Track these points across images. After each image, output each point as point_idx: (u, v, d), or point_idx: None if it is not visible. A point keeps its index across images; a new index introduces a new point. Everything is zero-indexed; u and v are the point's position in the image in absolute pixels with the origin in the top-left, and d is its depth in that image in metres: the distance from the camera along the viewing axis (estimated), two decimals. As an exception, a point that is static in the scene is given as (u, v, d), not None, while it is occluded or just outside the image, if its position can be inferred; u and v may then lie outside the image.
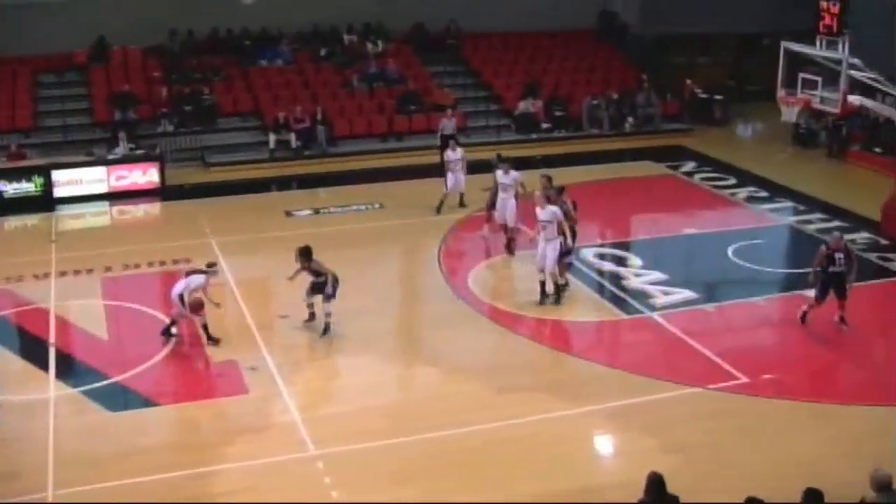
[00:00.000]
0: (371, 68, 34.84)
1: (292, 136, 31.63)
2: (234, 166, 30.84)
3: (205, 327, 18.37)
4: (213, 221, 25.42)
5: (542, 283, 20.37)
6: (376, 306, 20.42)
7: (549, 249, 20.08)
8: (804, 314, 19.30)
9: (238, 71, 34.30)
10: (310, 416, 16.00)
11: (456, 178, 26.31)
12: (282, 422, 15.94)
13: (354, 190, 28.29)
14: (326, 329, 18.78)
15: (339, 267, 22.06)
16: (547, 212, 20.05)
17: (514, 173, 23.41)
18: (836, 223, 25.57)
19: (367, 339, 18.86)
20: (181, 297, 18.12)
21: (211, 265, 18.94)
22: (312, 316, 19.17)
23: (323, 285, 18.66)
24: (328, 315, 18.74)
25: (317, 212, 26.55)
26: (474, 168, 26.13)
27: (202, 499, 13.95)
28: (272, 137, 31.54)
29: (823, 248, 19.15)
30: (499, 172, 23.51)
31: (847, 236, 24.52)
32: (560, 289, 20.49)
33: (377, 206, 26.87)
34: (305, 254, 18.72)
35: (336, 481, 14.37)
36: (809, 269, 19.32)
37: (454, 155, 26.41)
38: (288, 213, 26.27)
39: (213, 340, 18.37)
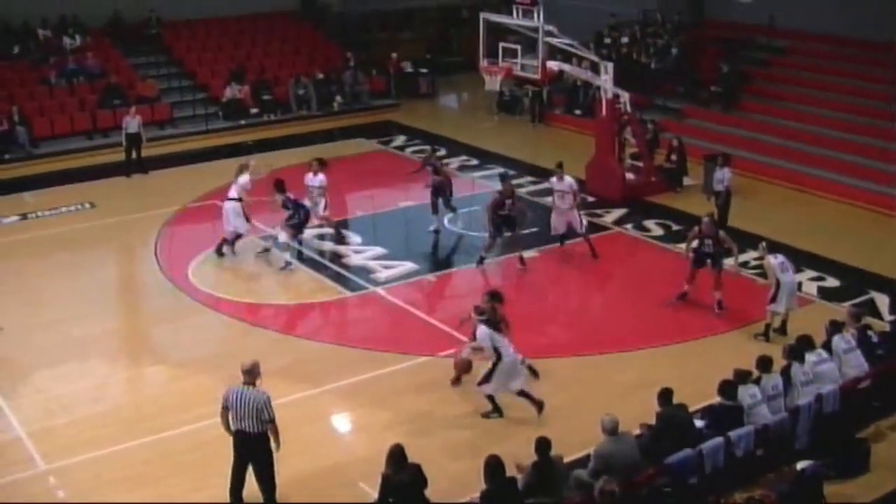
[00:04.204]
0: (69, 64, 33.55)
1: (-10, 141, 30.08)
2: (-71, 177, 28.99)
3: None
4: (-88, 237, 23.87)
5: None
6: (95, 309, 19.76)
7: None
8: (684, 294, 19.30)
9: (-76, 75, 32.30)
10: (35, 430, 15.36)
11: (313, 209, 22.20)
12: (5, 440, 15.20)
13: (63, 191, 27.09)
14: None
15: (54, 272, 21.39)
16: None
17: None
18: (544, 185, 26.52)
19: (87, 343, 18.26)
20: None
21: None
22: None
23: None
24: None
25: (24, 217, 25.27)
26: (189, 159, 25.28)
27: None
28: (-32, 143, 29.89)
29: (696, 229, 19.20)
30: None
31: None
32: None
33: (88, 205, 25.91)
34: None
35: (71, 494, 13.90)
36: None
37: (315, 179, 22.37)
38: (-8, 221, 25.00)
39: None
